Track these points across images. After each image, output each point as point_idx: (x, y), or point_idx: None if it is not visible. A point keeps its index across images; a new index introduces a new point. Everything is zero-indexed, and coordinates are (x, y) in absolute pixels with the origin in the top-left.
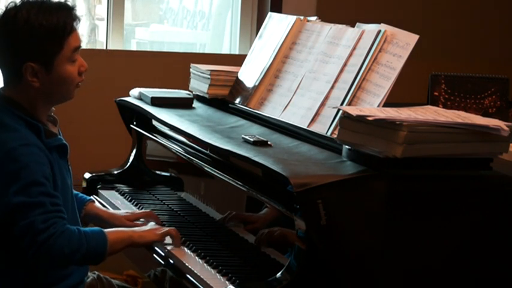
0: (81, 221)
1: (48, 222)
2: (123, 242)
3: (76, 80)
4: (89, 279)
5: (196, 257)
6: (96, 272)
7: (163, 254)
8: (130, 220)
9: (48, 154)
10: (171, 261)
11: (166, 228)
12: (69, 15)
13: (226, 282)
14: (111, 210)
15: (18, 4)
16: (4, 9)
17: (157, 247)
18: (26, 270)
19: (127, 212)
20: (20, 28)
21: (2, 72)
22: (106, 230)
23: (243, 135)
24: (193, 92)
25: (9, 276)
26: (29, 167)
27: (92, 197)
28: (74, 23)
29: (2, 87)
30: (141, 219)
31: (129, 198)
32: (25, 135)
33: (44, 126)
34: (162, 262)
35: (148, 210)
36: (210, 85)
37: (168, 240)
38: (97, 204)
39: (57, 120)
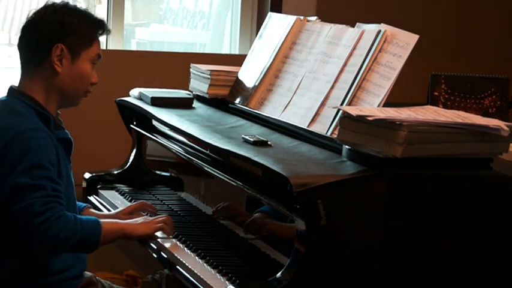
0: None
1: (46, 206)
2: (117, 233)
3: (88, 85)
4: (87, 276)
5: (196, 257)
6: (98, 277)
7: (163, 254)
8: (125, 214)
9: (55, 143)
10: (171, 261)
11: (159, 223)
12: (100, 24)
13: (226, 282)
14: (106, 212)
15: (55, 4)
16: (39, 8)
17: (156, 246)
18: (27, 259)
19: (127, 207)
20: (60, 17)
21: (26, 60)
22: (101, 220)
23: (243, 135)
24: (193, 92)
25: (9, 264)
26: (35, 150)
27: (87, 204)
28: (105, 32)
29: (15, 85)
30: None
31: (129, 198)
32: (35, 121)
33: (54, 119)
34: (162, 262)
35: (140, 201)
36: (210, 85)
37: (160, 233)
38: (92, 210)
39: (63, 122)
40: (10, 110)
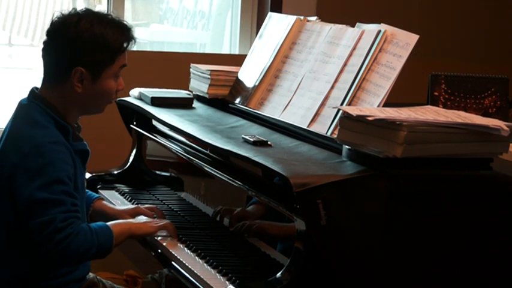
0: (89, 218)
1: (67, 222)
2: (124, 234)
3: (112, 96)
4: (90, 277)
5: (196, 257)
6: (99, 277)
7: (163, 254)
8: (132, 215)
9: (73, 155)
10: (171, 261)
11: (162, 222)
12: (127, 34)
13: (226, 282)
14: (116, 207)
15: (81, 12)
16: (64, 14)
17: (156, 245)
18: (32, 263)
19: (134, 208)
20: (81, 34)
21: (48, 71)
22: (109, 224)
23: (243, 135)
24: (193, 92)
25: (14, 267)
26: (54, 165)
27: (99, 195)
28: (130, 43)
29: (37, 87)
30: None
31: (129, 198)
32: (54, 133)
33: (73, 130)
34: (162, 262)
35: (151, 205)
36: (210, 85)
37: (163, 233)
38: (104, 201)
39: (81, 128)
40: (29, 118)
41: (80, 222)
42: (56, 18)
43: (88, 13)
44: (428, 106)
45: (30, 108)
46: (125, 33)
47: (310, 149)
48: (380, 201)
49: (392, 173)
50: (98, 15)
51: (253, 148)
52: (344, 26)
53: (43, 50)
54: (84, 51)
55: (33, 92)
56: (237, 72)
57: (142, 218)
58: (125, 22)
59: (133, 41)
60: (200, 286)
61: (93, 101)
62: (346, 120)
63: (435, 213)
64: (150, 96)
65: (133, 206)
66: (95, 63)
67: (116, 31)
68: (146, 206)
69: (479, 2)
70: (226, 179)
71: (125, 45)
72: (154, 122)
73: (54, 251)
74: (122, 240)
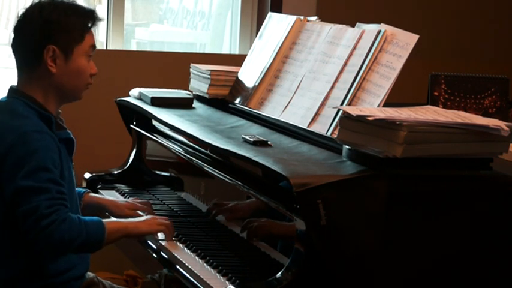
0: (81, 213)
1: (52, 208)
2: (119, 232)
3: (87, 78)
4: (89, 277)
5: (196, 257)
6: (99, 277)
7: (163, 254)
8: (130, 209)
9: (58, 144)
10: (171, 261)
11: (162, 223)
12: (91, 14)
13: (226, 282)
14: (111, 197)
15: (41, 1)
16: (26, 8)
17: (156, 246)
18: (30, 260)
19: (127, 201)
20: (47, 16)
21: (21, 62)
22: (104, 220)
23: (243, 135)
24: (193, 92)
25: (12, 266)
26: (39, 152)
27: (86, 189)
28: (96, 22)
29: (15, 85)
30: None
31: (129, 198)
32: (37, 123)
33: (55, 119)
34: (162, 262)
35: (144, 200)
36: (210, 85)
37: (161, 235)
38: (92, 194)
39: (64, 121)
40: (11, 111)
41: (66, 210)
42: (20, 15)
43: (49, 1)
44: (428, 106)
45: (10, 103)
46: (88, 13)
47: (310, 149)
48: (380, 201)
49: (392, 173)
50: (59, 1)
51: (253, 148)
52: (344, 26)
53: (12, 45)
54: (52, 30)
55: (12, 88)
56: (237, 72)
57: (140, 217)
58: (88, 7)
59: (98, 19)
60: (200, 286)
61: (68, 83)
62: (346, 120)
63: (435, 213)
64: (150, 96)
65: (130, 201)
66: (65, 41)
67: (80, 11)
68: (140, 200)
69: (480, 2)
70: (226, 179)
71: (90, 24)
72: (154, 122)
73: (39, 237)
74: (116, 238)
